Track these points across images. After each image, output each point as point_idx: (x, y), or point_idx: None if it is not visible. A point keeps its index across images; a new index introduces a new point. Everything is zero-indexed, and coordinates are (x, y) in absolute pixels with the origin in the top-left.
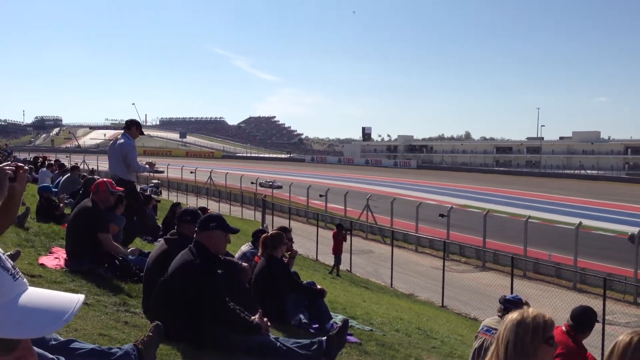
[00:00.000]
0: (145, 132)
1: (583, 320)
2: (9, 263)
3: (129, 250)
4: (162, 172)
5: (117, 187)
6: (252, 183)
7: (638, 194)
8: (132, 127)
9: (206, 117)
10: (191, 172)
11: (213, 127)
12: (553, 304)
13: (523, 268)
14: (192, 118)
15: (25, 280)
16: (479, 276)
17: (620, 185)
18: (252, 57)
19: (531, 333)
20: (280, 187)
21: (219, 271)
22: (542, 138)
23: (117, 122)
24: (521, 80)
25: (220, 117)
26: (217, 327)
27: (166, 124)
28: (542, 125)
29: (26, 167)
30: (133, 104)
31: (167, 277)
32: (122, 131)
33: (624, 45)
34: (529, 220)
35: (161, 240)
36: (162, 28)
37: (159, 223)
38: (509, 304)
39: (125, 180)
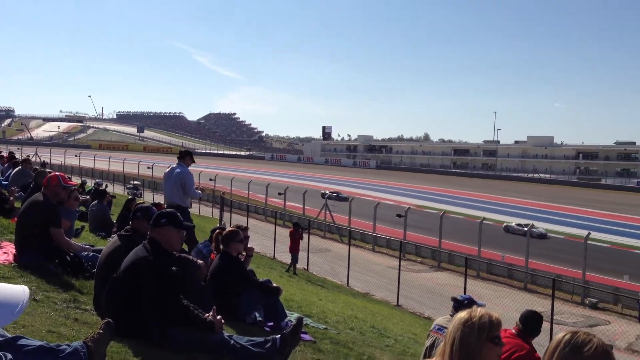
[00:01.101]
0: (101, 126)
1: (530, 324)
2: None
3: (81, 245)
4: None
5: (70, 182)
6: (210, 180)
7: (588, 198)
8: (187, 157)
9: (165, 112)
10: (148, 168)
11: (172, 123)
12: (504, 304)
13: (477, 268)
14: (151, 112)
15: None
16: (434, 276)
17: (572, 189)
18: (214, 53)
19: (477, 332)
20: (346, 200)
21: (173, 268)
22: (499, 141)
23: (72, 114)
24: (479, 84)
25: (180, 113)
26: (170, 324)
27: (124, 118)
28: (498, 129)
29: None
30: (89, 96)
31: (120, 273)
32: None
33: (580, 53)
34: (484, 221)
35: (114, 237)
36: (122, 20)
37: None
38: (459, 303)
39: (182, 206)
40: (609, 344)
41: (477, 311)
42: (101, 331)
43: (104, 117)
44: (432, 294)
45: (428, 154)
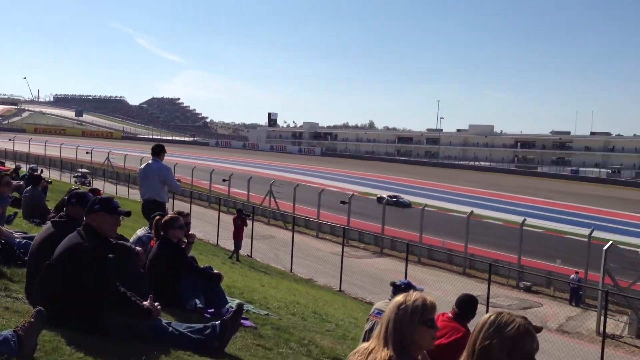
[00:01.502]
0: (37, 109)
1: (465, 307)
2: None
3: (13, 232)
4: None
5: (2, 167)
6: None
7: (525, 185)
8: (161, 153)
9: (105, 96)
10: (87, 153)
11: (113, 107)
12: (443, 288)
13: (418, 254)
14: (90, 96)
15: None
16: (376, 262)
17: (510, 177)
18: (157, 36)
19: (410, 315)
20: (407, 205)
21: (110, 255)
22: (441, 130)
23: (6, 96)
24: (424, 72)
25: (121, 97)
26: (105, 311)
27: (61, 101)
28: (441, 118)
29: None
30: (24, 78)
31: (53, 260)
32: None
33: (520, 44)
34: (426, 208)
35: (48, 223)
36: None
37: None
38: (397, 288)
39: (160, 202)
40: (539, 325)
41: (412, 295)
42: (32, 320)
43: (40, 100)
44: (374, 279)
45: (373, 141)
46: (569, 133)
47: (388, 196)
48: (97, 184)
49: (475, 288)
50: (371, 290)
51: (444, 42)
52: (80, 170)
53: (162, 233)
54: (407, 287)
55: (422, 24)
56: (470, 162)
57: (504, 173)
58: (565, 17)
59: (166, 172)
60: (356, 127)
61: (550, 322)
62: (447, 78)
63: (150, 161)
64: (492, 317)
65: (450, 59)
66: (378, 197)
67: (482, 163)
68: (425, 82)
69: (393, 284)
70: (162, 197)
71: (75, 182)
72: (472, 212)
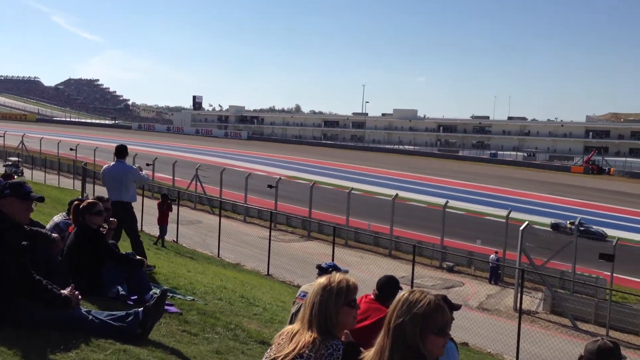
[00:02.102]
0: None
1: (385, 288)
2: None
3: None
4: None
5: None
6: (71, 150)
7: (447, 168)
8: (126, 155)
9: (18, 76)
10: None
11: (26, 87)
12: (370, 270)
13: (345, 237)
14: (2, 76)
15: None
16: (304, 245)
17: (433, 160)
18: (74, 14)
19: (335, 296)
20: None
21: (24, 242)
22: (367, 114)
23: None
24: (349, 56)
25: (35, 77)
26: (20, 301)
27: None
28: (366, 102)
29: None
30: None
31: None
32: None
33: (440, 30)
34: (352, 192)
35: None
36: None
37: None
38: (323, 270)
39: (126, 202)
40: (459, 303)
41: (336, 277)
42: None
43: None
44: (302, 262)
45: (299, 125)
46: (488, 118)
47: (570, 223)
48: (38, 175)
49: (401, 269)
50: (299, 274)
51: (369, 25)
52: (10, 158)
53: (80, 219)
54: (332, 269)
55: (347, 7)
56: (395, 146)
57: (428, 157)
58: (484, 3)
59: (136, 174)
60: (283, 111)
61: (471, 301)
62: (372, 62)
63: (114, 162)
64: (404, 296)
65: (375, 43)
66: (553, 224)
67: (406, 147)
68: (350, 66)
69: (319, 267)
70: (133, 197)
71: (7, 171)
72: (397, 195)
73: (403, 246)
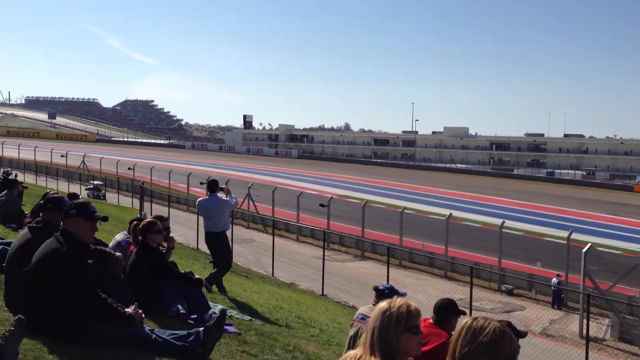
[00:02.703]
0: (8, 111)
1: (442, 312)
2: None
3: None
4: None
5: None
6: (129, 169)
7: (502, 187)
8: (217, 188)
9: (78, 98)
10: (62, 156)
11: (86, 109)
12: (426, 292)
13: (399, 257)
14: (63, 98)
15: None
16: (358, 265)
17: (486, 179)
18: (128, 37)
19: (395, 321)
20: None
21: (89, 261)
22: (417, 132)
23: None
24: (398, 74)
25: (94, 99)
26: (86, 319)
27: (33, 103)
28: (416, 120)
29: None
30: None
31: (31, 267)
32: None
33: (492, 47)
34: (404, 211)
35: (25, 229)
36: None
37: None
38: (381, 293)
39: (219, 232)
40: (524, 330)
41: (396, 301)
42: (12, 328)
43: (11, 103)
44: (356, 283)
45: (349, 144)
46: (542, 135)
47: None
48: (73, 187)
49: (457, 291)
50: (354, 294)
51: (417, 43)
52: (92, 182)
53: (140, 238)
54: (390, 291)
55: (396, 26)
56: (447, 165)
57: (481, 175)
58: (537, 19)
59: (228, 205)
60: (332, 129)
61: (533, 326)
62: (421, 80)
63: (208, 196)
64: (467, 323)
65: (423, 60)
66: None
67: (458, 165)
68: (399, 84)
69: (376, 289)
70: (226, 226)
71: (88, 196)
72: (450, 214)
73: (459, 267)
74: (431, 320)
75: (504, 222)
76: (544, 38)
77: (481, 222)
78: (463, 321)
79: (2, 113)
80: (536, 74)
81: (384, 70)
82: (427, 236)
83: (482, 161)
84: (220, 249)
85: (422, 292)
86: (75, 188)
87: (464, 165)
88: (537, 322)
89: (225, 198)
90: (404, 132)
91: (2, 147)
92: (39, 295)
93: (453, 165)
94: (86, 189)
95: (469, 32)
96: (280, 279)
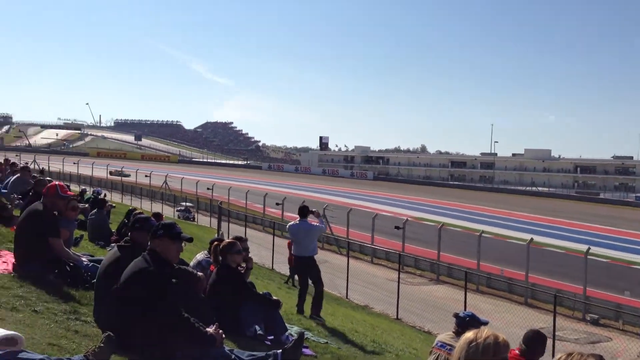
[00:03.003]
0: (99, 134)
1: (534, 344)
2: None
3: (80, 255)
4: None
5: (68, 192)
6: (208, 189)
7: (587, 212)
8: (308, 214)
9: (163, 120)
10: (146, 176)
11: (169, 131)
12: (505, 319)
13: (476, 282)
14: (148, 121)
15: None
16: (434, 289)
17: (570, 203)
18: (209, 61)
19: (481, 353)
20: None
21: (174, 280)
22: (496, 154)
23: (70, 121)
24: (476, 95)
25: (177, 121)
26: (171, 338)
27: (121, 126)
28: (495, 142)
29: None
30: (87, 103)
31: (120, 285)
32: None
33: (575, 66)
34: (482, 234)
35: (114, 247)
36: (117, 28)
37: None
38: (461, 320)
39: (309, 256)
40: None
41: (483, 332)
42: (102, 345)
43: (101, 125)
44: (431, 307)
45: (425, 165)
46: (632, 158)
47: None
48: (156, 207)
49: (539, 319)
50: (429, 319)
51: (496, 64)
52: (183, 203)
53: (220, 258)
54: (471, 319)
55: (474, 47)
56: (528, 188)
57: (564, 199)
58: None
59: (318, 230)
60: (408, 151)
61: (621, 359)
62: (500, 101)
63: (298, 221)
64: (562, 358)
65: (502, 81)
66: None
67: (539, 188)
68: (477, 105)
69: (456, 316)
70: (314, 251)
71: (179, 217)
72: (532, 239)
73: (541, 294)
74: (517, 352)
75: (589, 248)
76: (630, 53)
77: (564, 248)
78: (557, 356)
79: (93, 135)
80: (625, 93)
81: (462, 91)
82: (506, 261)
83: (565, 184)
84: (310, 273)
85: (501, 320)
86: (157, 207)
87: (546, 189)
88: (625, 354)
89: (316, 223)
90: (482, 154)
91: (93, 168)
92: (126, 312)
93: (534, 189)
94: (177, 210)
95: (552, 50)
96: (354, 301)
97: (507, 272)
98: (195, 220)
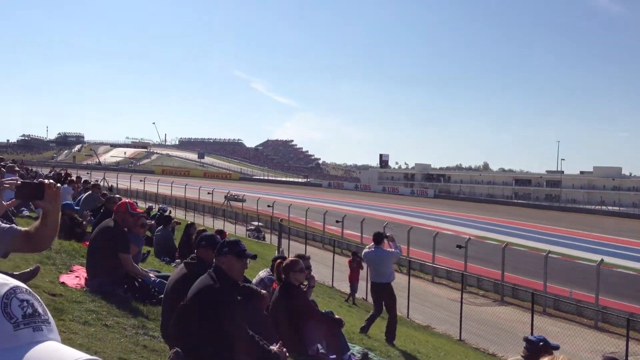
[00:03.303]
0: (164, 152)
1: None
2: (26, 309)
3: (148, 271)
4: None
5: (137, 209)
6: (268, 206)
7: None
8: (382, 241)
9: (224, 139)
10: (208, 193)
11: (231, 149)
12: (575, 343)
13: (543, 304)
14: (211, 139)
15: (44, 331)
16: (498, 310)
17: None
18: (270, 80)
19: None
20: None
21: (239, 297)
22: (562, 172)
23: (137, 140)
24: (540, 112)
25: (239, 139)
26: (236, 355)
27: (185, 144)
28: (562, 159)
29: (58, 185)
30: (153, 123)
31: (187, 301)
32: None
33: None
34: (549, 254)
35: (181, 264)
36: (183, 49)
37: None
38: (532, 344)
39: (386, 283)
40: None
41: (559, 358)
42: None
43: (167, 144)
44: (495, 329)
45: (488, 183)
46: None
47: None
48: (217, 223)
49: (610, 344)
50: (494, 341)
51: (561, 79)
52: (253, 223)
53: (283, 276)
54: (543, 343)
55: (539, 62)
56: (597, 207)
57: (636, 218)
58: None
59: (394, 256)
60: (470, 168)
61: None
62: (567, 117)
63: (373, 247)
64: None
65: (569, 96)
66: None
67: (609, 208)
68: (542, 122)
69: (526, 339)
70: (391, 276)
71: (249, 236)
72: (602, 260)
73: (612, 318)
74: None
75: None
76: None
77: (637, 270)
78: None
79: (159, 153)
80: None
81: (526, 107)
82: (574, 282)
83: (637, 204)
84: (386, 299)
85: (571, 344)
86: (219, 224)
87: (616, 208)
88: None
89: (390, 249)
90: (547, 171)
91: (158, 185)
92: (193, 329)
93: (604, 208)
94: (247, 229)
95: (624, 65)
96: (415, 321)
97: (576, 294)
98: (266, 239)
